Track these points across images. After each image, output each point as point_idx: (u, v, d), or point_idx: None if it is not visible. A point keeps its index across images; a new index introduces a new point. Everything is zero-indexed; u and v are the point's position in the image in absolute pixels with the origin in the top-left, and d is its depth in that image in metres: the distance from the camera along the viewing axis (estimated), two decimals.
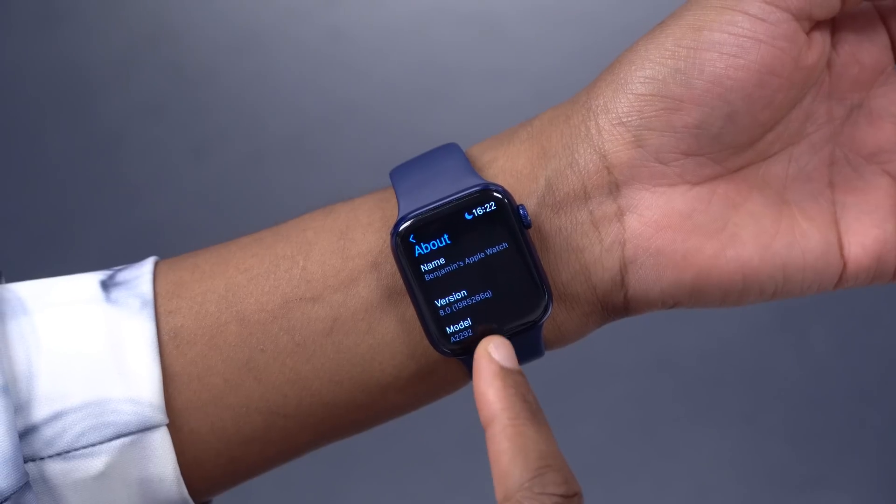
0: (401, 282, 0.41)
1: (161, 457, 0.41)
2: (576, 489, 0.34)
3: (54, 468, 0.40)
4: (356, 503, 1.20)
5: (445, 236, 0.41)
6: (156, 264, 0.44)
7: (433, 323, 0.40)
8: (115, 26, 1.35)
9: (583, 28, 1.31)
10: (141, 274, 0.43)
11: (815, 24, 0.41)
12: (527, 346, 0.41)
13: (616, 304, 0.42)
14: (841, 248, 0.42)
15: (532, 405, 0.36)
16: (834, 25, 0.42)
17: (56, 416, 0.40)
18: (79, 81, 1.33)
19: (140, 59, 1.33)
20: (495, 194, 0.40)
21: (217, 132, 1.32)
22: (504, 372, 0.37)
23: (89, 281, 0.43)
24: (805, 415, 1.20)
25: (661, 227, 0.41)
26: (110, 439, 0.40)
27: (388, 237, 0.42)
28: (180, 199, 1.30)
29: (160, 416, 0.41)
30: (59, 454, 0.40)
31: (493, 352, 0.37)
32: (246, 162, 1.31)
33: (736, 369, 1.22)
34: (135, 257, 0.45)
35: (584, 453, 1.19)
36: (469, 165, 0.42)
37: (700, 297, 0.42)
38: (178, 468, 0.41)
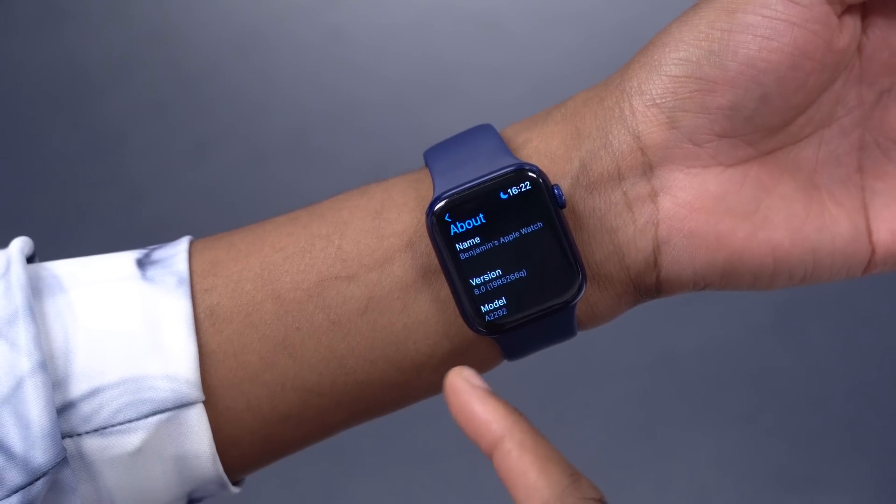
0: (435, 261, 0.41)
1: (197, 433, 0.41)
2: (601, 495, 0.33)
3: (91, 444, 0.40)
4: (356, 503, 1.20)
5: (481, 215, 0.41)
6: (191, 243, 0.44)
7: (468, 302, 0.41)
8: (118, 25, 1.35)
9: (582, 26, 1.32)
10: (177, 252, 0.43)
11: (847, 8, 0.42)
12: (560, 326, 0.42)
13: (648, 284, 0.42)
14: (869, 233, 0.43)
15: (528, 420, 0.35)
16: (865, 10, 0.42)
17: (93, 393, 0.40)
18: (81, 80, 1.33)
19: (142, 57, 1.34)
20: (530, 174, 0.41)
21: (219, 130, 1.32)
22: (492, 393, 0.35)
23: (125, 259, 0.43)
24: (805, 415, 1.21)
25: (694, 208, 0.41)
26: (147, 416, 0.40)
27: (423, 217, 0.42)
28: (182, 196, 1.30)
29: (196, 392, 0.41)
30: (96, 430, 0.40)
31: (470, 378, 0.35)
32: (248, 160, 1.31)
33: (736, 369, 1.23)
34: None
35: (584, 453, 1.19)
36: (504, 146, 0.42)
37: (731, 278, 0.42)
38: (213, 445, 0.41)
